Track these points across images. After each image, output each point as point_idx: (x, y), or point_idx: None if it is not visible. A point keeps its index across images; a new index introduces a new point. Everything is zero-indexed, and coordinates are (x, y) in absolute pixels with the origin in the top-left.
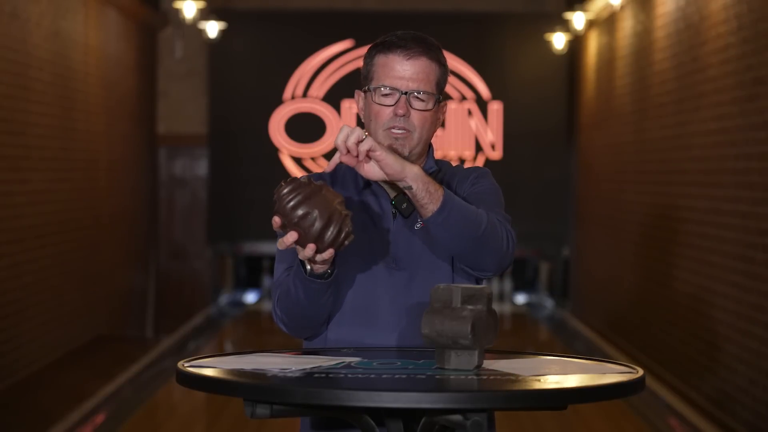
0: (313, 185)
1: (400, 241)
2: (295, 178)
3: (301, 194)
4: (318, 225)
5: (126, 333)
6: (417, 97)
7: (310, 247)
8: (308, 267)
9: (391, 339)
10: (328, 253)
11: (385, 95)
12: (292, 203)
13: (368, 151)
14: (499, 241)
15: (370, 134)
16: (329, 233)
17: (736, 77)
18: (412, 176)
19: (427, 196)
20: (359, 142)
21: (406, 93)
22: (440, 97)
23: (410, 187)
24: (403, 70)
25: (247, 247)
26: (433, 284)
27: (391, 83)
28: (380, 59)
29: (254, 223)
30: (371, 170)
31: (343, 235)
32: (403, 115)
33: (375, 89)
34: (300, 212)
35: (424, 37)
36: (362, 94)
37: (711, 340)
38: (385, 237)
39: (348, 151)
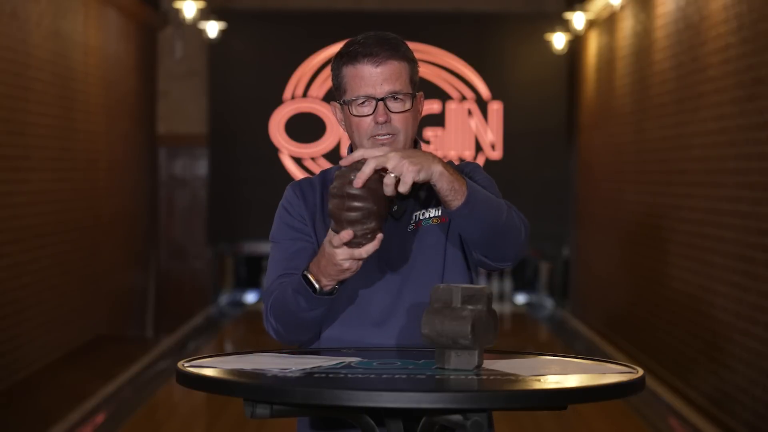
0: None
1: (393, 243)
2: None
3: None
4: (368, 227)
5: (126, 333)
6: (394, 100)
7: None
8: (317, 286)
9: (385, 340)
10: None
11: (362, 105)
12: (355, 215)
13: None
14: (517, 230)
15: (354, 144)
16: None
17: (736, 77)
18: (437, 175)
19: (452, 192)
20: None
21: (382, 99)
22: (415, 93)
23: (434, 185)
24: (373, 77)
25: (247, 247)
26: (426, 285)
27: (365, 92)
28: (348, 70)
29: (254, 223)
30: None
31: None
32: (385, 122)
33: (350, 102)
34: (359, 221)
35: (386, 36)
36: (338, 105)
37: (711, 340)
38: None
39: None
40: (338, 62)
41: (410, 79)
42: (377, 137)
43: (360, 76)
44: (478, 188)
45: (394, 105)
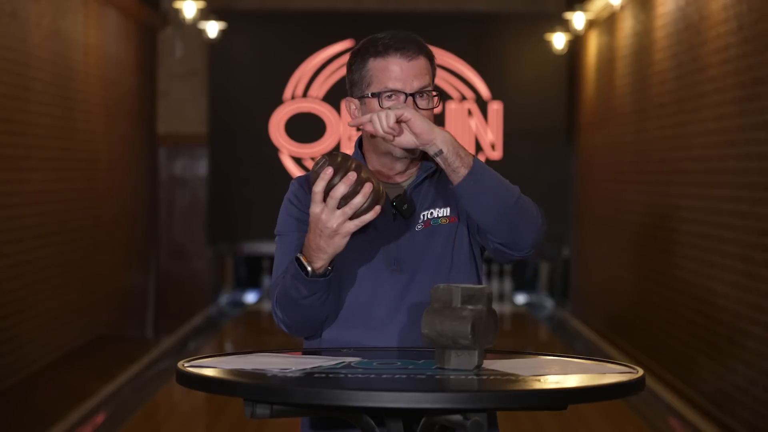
0: (355, 163)
1: (401, 242)
2: (335, 155)
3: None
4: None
5: (126, 333)
6: (421, 97)
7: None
8: (309, 269)
9: (393, 339)
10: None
11: (388, 99)
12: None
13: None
14: (533, 214)
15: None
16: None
17: (736, 77)
18: (442, 140)
19: (458, 159)
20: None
21: (412, 95)
22: (438, 94)
23: (440, 151)
24: (404, 71)
25: (247, 247)
26: (432, 285)
27: (395, 86)
28: (377, 63)
29: (254, 223)
30: (403, 138)
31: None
32: None
33: (378, 94)
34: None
35: (412, 35)
36: (356, 101)
37: (711, 340)
38: (386, 238)
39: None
40: (363, 56)
41: (433, 80)
42: None
43: (390, 69)
44: (487, 166)
45: (421, 102)
